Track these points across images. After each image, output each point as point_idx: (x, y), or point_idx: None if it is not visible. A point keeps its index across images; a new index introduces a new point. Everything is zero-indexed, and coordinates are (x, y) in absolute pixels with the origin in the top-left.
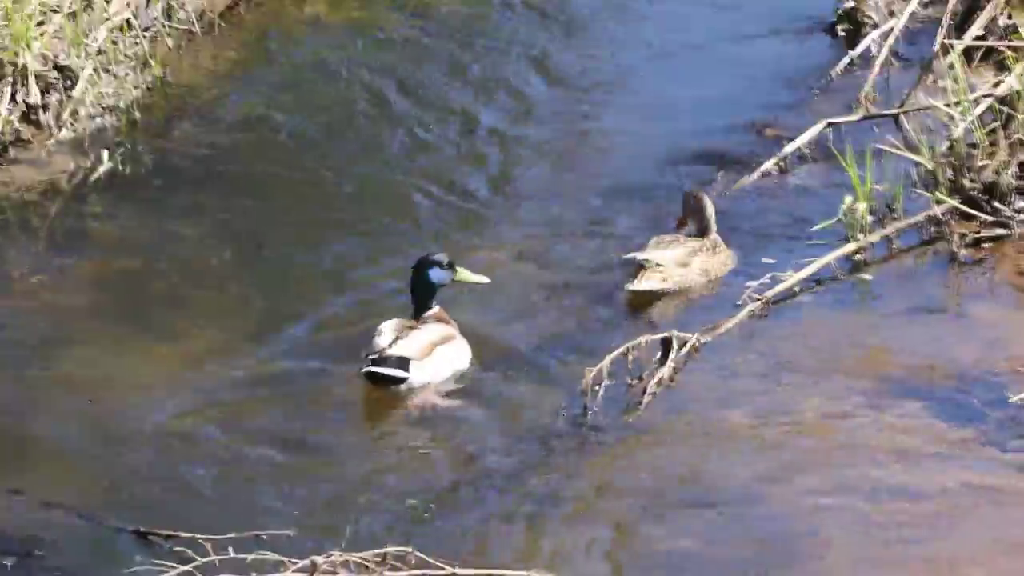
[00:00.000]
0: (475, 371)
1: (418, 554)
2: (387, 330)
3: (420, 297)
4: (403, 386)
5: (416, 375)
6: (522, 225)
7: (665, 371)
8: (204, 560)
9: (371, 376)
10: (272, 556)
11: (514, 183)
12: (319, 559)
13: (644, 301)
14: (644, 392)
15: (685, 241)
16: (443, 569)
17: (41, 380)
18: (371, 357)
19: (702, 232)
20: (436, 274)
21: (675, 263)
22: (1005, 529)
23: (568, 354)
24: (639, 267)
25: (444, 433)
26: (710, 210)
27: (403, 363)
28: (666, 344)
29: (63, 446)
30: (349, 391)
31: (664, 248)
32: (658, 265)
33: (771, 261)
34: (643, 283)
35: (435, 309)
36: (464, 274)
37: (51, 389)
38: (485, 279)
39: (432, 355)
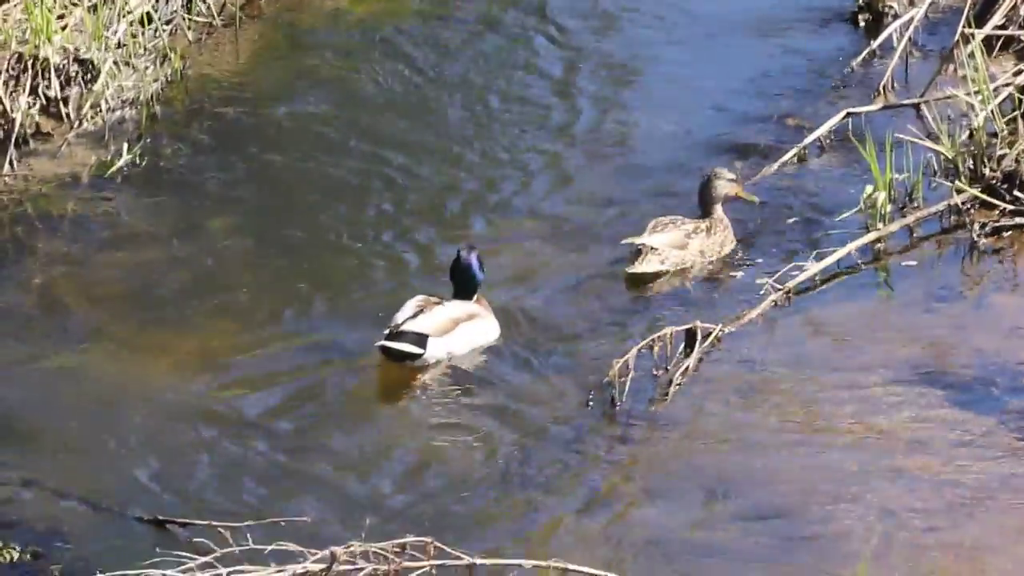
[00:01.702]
0: (505, 356)
1: (437, 544)
2: (409, 306)
3: (463, 287)
4: (418, 362)
5: (432, 351)
6: (545, 214)
7: (690, 362)
8: (223, 551)
9: (384, 351)
10: (292, 547)
11: (537, 172)
12: (338, 550)
13: (646, 283)
14: (670, 383)
15: (682, 223)
16: (462, 559)
17: (59, 371)
18: (386, 331)
19: (705, 211)
20: (477, 270)
21: (671, 245)
22: None
23: (599, 339)
24: (637, 251)
25: (469, 421)
26: (717, 191)
27: (420, 339)
28: (691, 335)
29: (80, 436)
30: (369, 378)
31: (660, 232)
32: (654, 249)
33: (752, 265)
34: (641, 266)
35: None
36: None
37: (69, 380)
38: None
39: (453, 332)
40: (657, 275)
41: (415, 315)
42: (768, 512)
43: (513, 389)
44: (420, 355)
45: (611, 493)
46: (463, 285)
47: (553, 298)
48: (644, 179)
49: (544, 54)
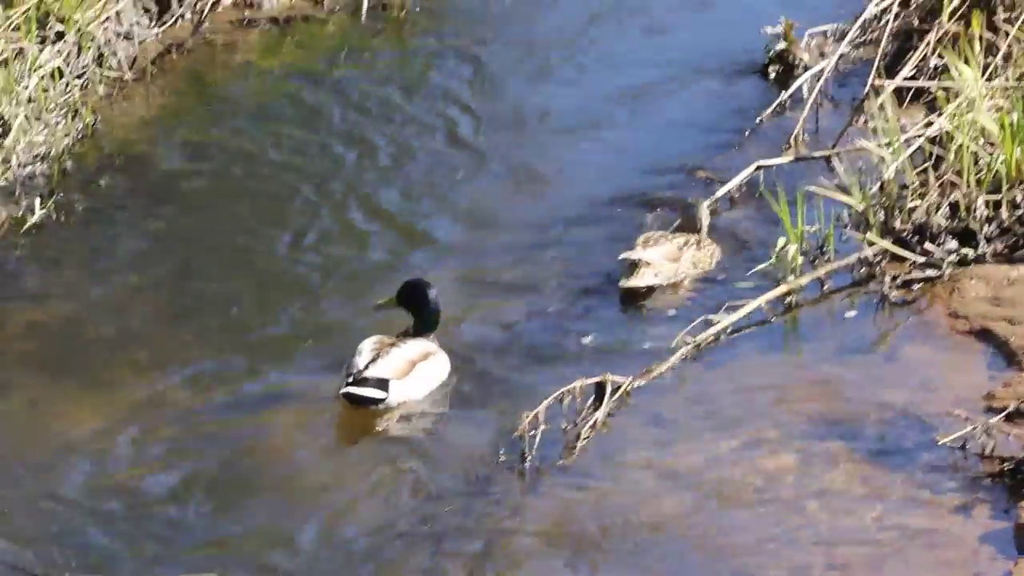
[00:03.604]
0: (434, 400)
1: None
2: (366, 349)
3: (429, 320)
4: (381, 406)
5: (394, 395)
6: (463, 258)
7: (599, 415)
8: None
9: (349, 397)
10: None
11: (446, 222)
12: None
13: (637, 297)
14: (579, 436)
15: (672, 238)
16: None
17: None
18: (349, 378)
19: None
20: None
21: (665, 259)
22: (938, 571)
23: (536, 377)
24: (632, 265)
25: (377, 474)
26: (703, 218)
27: (382, 384)
28: (600, 388)
29: None
30: (279, 432)
31: (653, 245)
32: (648, 263)
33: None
34: (636, 280)
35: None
36: None
37: None
38: None
39: (411, 374)
40: (651, 289)
41: (374, 359)
42: (679, 570)
43: (430, 439)
44: (383, 400)
45: (518, 550)
46: (429, 320)
47: (484, 337)
48: (549, 232)
49: (456, 107)
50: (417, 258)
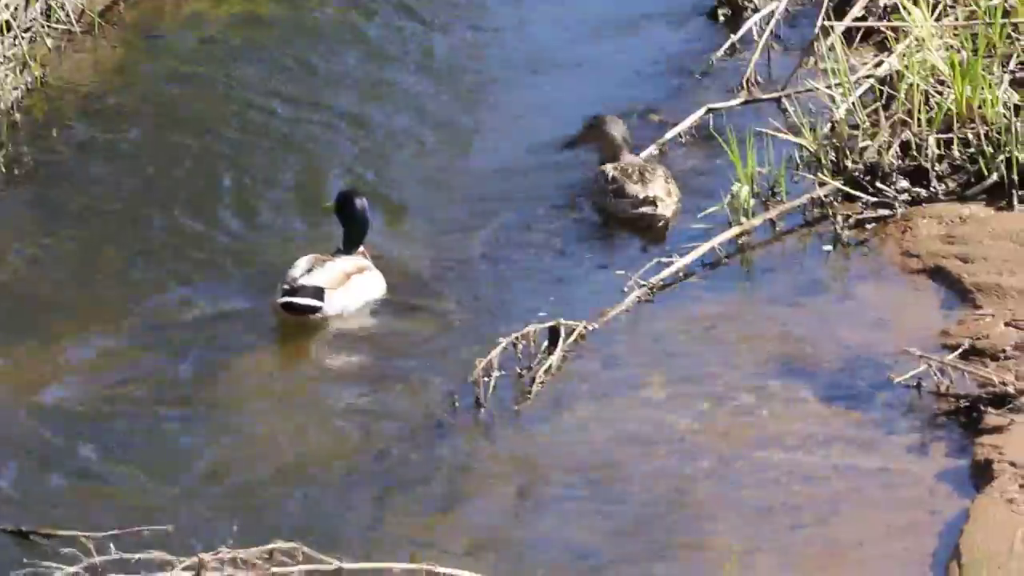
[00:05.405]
0: (385, 337)
1: (305, 550)
2: (302, 262)
3: (354, 233)
4: (319, 315)
5: (330, 305)
6: (410, 214)
7: (553, 359)
8: (90, 561)
9: (287, 306)
10: (159, 555)
11: (399, 172)
12: (206, 556)
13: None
14: (533, 381)
15: (652, 170)
16: (330, 564)
17: None
18: (284, 287)
19: (613, 157)
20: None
21: (664, 194)
22: (894, 510)
23: (464, 334)
24: (647, 200)
25: (332, 419)
26: (615, 132)
27: (318, 293)
28: (554, 332)
29: None
30: (228, 376)
31: (644, 179)
32: (658, 198)
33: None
34: (661, 211)
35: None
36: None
37: None
38: None
39: (346, 285)
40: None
41: (309, 270)
42: (636, 513)
43: (386, 383)
44: (319, 308)
45: (475, 494)
46: (356, 231)
47: (449, 278)
48: (510, 177)
49: (405, 54)
50: (370, 201)
